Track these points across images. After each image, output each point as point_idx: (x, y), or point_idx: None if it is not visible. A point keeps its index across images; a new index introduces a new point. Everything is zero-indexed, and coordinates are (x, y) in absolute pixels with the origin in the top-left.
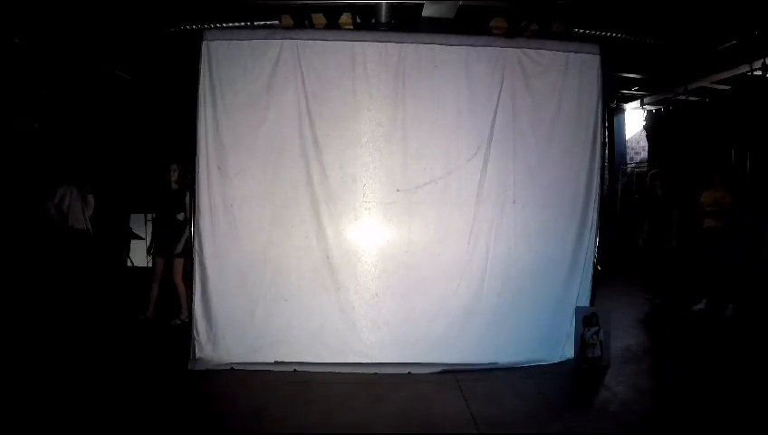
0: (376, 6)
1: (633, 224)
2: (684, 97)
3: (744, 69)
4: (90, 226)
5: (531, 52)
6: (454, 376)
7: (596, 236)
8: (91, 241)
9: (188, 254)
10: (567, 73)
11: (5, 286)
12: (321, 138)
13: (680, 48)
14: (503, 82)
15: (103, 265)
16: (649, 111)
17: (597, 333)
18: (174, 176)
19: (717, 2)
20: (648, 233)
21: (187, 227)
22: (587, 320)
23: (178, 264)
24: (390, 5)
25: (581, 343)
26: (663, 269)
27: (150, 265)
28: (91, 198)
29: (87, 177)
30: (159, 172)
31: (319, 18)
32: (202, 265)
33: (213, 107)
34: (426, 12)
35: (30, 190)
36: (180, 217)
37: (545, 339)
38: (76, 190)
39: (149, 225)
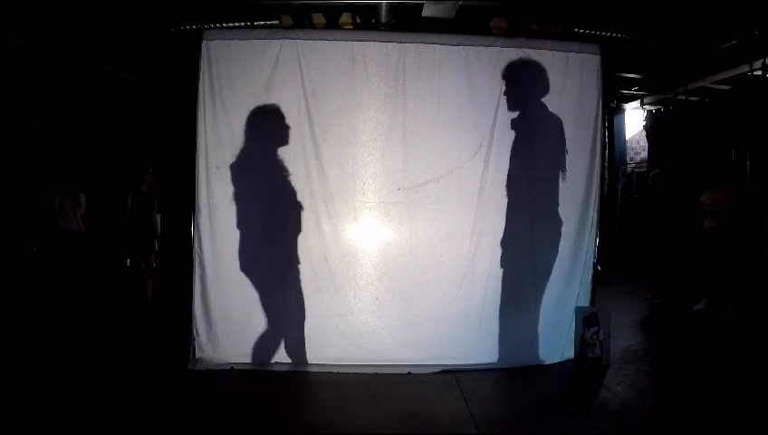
0: (376, 6)
1: (634, 224)
2: (684, 97)
3: (744, 69)
4: (82, 225)
5: (531, 52)
6: (454, 376)
7: (596, 236)
8: (83, 241)
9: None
10: (567, 73)
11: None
12: (319, 136)
13: (680, 48)
14: (503, 82)
15: (99, 265)
16: (649, 111)
17: (597, 332)
18: (148, 178)
19: (717, 2)
20: (649, 233)
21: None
22: (587, 320)
23: (152, 259)
24: (390, 5)
25: (581, 343)
26: (663, 269)
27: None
28: (81, 197)
29: (78, 177)
30: (135, 175)
31: (319, 18)
32: (201, 264)
33: (212, 106)
34: (426, 12)
35: (23, 191)
36: (156, 216)
37: (545, 339)
38: (66, 190)
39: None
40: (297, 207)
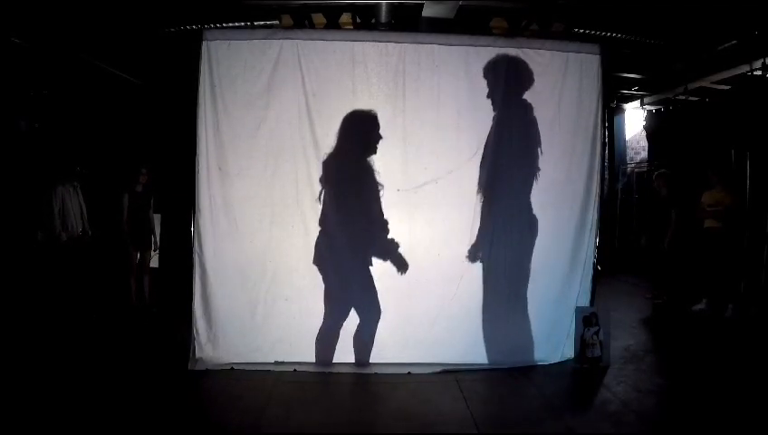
0: (376, 6)
1: (635, 224)
2: (684, 97)
3: (744, 69)
4: (87, 225)
5: (531, 52)
6: (454, 376)
7: (596, 236)
8: (87, 244)
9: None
10: (567, 73)
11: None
12: (320, 137)
13: (680, 48)
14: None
15: (99, 265)
16: (649, 111)
17: (597, 332)
18: (143, 179)
19: (717, 2)
20: (650, 233)
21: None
22: (587, 320)
23: (148, 256)
24: (390, 5)
25: (581, 343)
26: (663, 269)
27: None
28: (78, 189)
29: (78, 176)
30: (130, 174)
31: (319, 18)
32: (202, 265)
33: (213, 107)
34: (426, 12)
35: (24, 191)
36: (152, 216)
37: (545, 339)
38: (72, 189)
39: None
40: (299, 208)
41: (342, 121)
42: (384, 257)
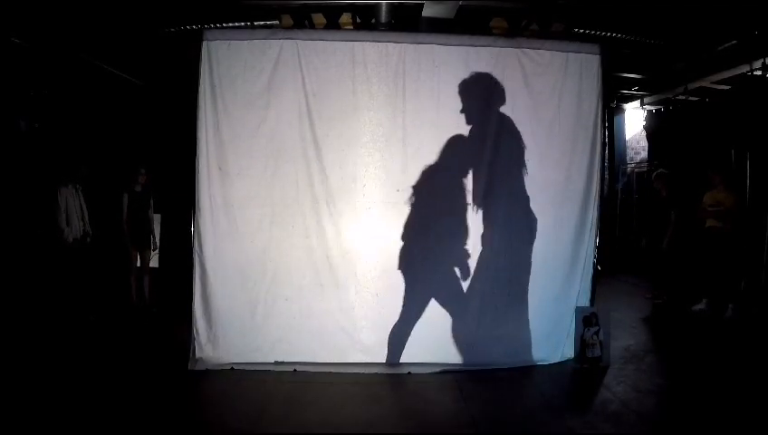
0: (376, 6)
1: (635, 224)
2: (684, 97)
3: (744, 69)
4: (88, 226)
5: (531, 52)
6: (454, 376)
7: (596, 235)
8: (89, 247)
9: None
10: (567, 73)
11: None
12: (320, 137)
13: (680, 48)
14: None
15: (99, 266)
16: (649, 111)
17: (597, 332)
18: (142, 179)
19: (717, 2)
20: (650, 233)
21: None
22: (587, 320)
23: (147, 255)
24: (390, 5)
25: (581, 343)
26: (663, 269)
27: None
28: (80, 191)
29: (78, 176)
30: (129, 175)
31: (319, 18)
32: (202, 264)
33: (213, 107)
34: (426, 12)
35: (24, 192)
36: (152, 215)
37: (545, 339)
38: (74, 191)
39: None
40: (299, 208)
41: (448, 140)
42: (457, 264)
